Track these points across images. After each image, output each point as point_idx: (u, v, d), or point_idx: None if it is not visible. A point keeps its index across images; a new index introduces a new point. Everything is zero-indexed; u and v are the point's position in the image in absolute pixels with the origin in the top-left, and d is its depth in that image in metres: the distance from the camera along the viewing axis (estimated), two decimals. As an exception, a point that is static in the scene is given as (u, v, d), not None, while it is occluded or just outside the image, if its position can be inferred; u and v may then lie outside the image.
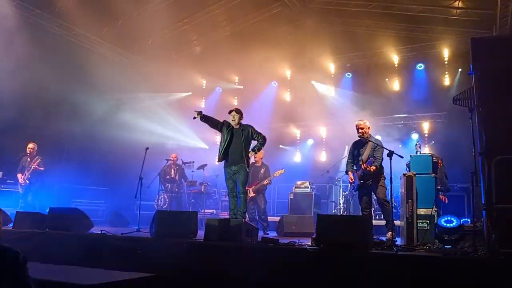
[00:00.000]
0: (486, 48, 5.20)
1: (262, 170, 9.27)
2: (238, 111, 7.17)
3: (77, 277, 3.71)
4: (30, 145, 9.55)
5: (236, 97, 15.66)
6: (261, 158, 9.46)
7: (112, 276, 3.73)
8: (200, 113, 7.11)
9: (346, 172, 7.33)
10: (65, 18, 11.65)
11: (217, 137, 10.26)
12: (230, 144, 7.00)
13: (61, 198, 10.43)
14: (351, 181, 7.17)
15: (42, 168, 9.42)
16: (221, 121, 7.24)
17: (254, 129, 7.15)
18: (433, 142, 12.45)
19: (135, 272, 3.94)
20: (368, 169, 6.75)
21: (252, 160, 7.91)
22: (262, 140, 7.14)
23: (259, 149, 7.26)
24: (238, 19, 13.12)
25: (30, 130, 10.57)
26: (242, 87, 15.50)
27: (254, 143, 7.22)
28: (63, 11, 11.42)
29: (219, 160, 7.11)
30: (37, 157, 9.50)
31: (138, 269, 4.34)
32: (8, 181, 9.80)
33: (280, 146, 14.64)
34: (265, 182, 9.09)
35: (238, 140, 6.98)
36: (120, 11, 11.53)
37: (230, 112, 7.18)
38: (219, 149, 7.13)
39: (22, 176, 9.34)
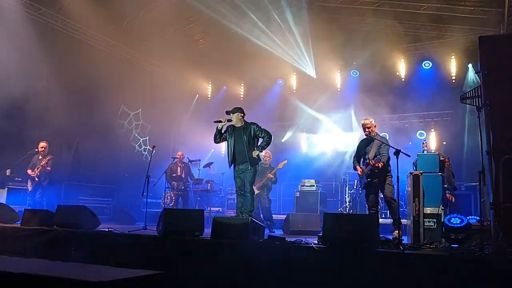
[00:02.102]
0: (494, 46, 5.17)
1: (268, 171, 9.28)
2: (234, 110, 7.00)
3: (85, 274, 3.73)
4: (42, 144, 9.59)
5: (241, 95, 15.67)
6: (270, 159, 9.46)
7: (119, 274, 3.75)
8: (224, 122, 6.98)
9: (354, 168, 7.29)
10: (72, 17, 11.72)
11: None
12: (236, 146, 6.97)
13: (68, 196, 10.51)
14: (360, 173, 7.12)
15: (49, 168, 9.47)
16: (224, 130, 7.13)
17: (257, 126, 7.01)
18: (444, 142, 12.38)
19: (142, 270, 3.96)
20: (376, 165, 6.73)
21: (261, 155, 7.81)
22: (267, 137, 6.96)
23: (263, 148, 7.05)
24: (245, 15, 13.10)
25: (36, 128, 10.64)
26: (247, 85, 15.51)
27: (261, 140, 7.11)
28: (69, 9, 11.49)
29: (230, 165, 7.03)
30: (49, 156, 9.56)
31: (145, 266, 4.36)
32: (16, 178, 9.88)
33: (282, 140, 14.62)
34: (269, 175, 9.07)
35: (241, 139, 6.89)
36: (126, 10, 11.57)
37: (227, 113, 7.02)
38: (228, 153, 7.06)
39: (32, 172, 9.40)
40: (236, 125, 7.01)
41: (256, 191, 8.96)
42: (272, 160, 9.53)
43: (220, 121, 6.98)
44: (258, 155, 6.96)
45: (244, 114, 7.07)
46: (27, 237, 6.61)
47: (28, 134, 10.32)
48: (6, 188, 9.68)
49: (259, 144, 7.01)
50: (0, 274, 3.58)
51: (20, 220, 7.35)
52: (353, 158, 7.33)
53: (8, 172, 9.88)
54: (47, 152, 9.62)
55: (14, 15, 10.54)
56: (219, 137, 7.09)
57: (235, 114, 6.97)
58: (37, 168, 9.37)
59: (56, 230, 6.50)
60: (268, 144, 7.02)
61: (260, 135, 6.98)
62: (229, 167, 7.09)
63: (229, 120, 6.99)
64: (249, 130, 6.93)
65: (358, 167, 7.15)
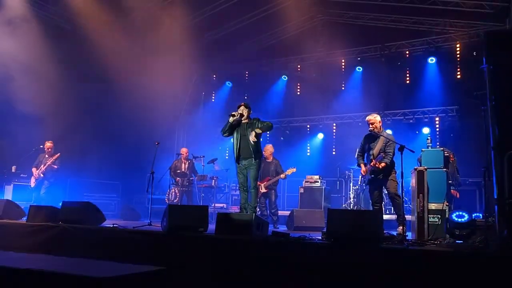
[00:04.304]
0: (500, 41, 5.13)
1: (273, 166, 9.30)
2: (247, 105, 7.17)
3: (90, 270, 3.75)
4: (48, 144, 9.66)
5: (246, 91, 15.64)
6: (271, 153, 9.48)
7: (124, 269, 3.77)
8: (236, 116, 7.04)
9: (358, 165, 7.28)
10: (75, 12, 11.72)
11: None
12: (241, 141, 7.00)
13: (73, 192, 10.57)
14: (363, 173, 7.11)
15: (55, 166, 9.53)
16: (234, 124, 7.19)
17: (258, 120, 7.11)
18: (451, 135, 12.32)
19: (146, 265, 3.98)
20: (377, 165, 6.73)
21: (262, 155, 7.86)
22: (267, 123, 7.02)
23: (261, 129, 6.90)
24: (249, 12, 13.07)
25: (42, 125, 10.67)
26: (252, 81, 15.48)
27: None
28: (73, 6, 11.49)
29: (236, 161, 7.07)
30: (56, 154, 9.60)
31: (149, 262, 4.38)
32: (22, 175, 9.93)
33: (281, 138, 14.57)
34: (282, 176, 9.12)
35: (245, 134, 6.97)
36: (130, 4, 11.56)
37: (239, 107, 7.16)
38: (233, 149, 7.10)
39: (37, 171, 9.45)
40: (243, 121, 7.10)
41: (264, 190, 8.98)
42: (281, 163, 9.52)
43: (234, 115, 7.03)
44: (258, 140, 6.95)
45: (250, 111, 7.18)
46: (32, 233, 6.65)
47: (33, 130, 10.35)
48: (12, 185, 9.75)
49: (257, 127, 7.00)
50: (6, 270, 3.61)
51: (25, 216, 7.39)
52: (357, 154, 7.31)
53: (13, 168, 9.94)
54: (53, 151, 9.68)
55: (19, 13, 10.57)
56: (228, 129, 7.12)
57: (247, 109, 7.13)
58: (44, 165, 9.42)
59: (61, 226, 6.54)
60: (267, 127, 7.04)
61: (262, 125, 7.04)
62: (235, 162, 7.13)
63: (242, 115, 7.05)
64: (253, 124, 7.01)
65: (362, 165, 7.13)
